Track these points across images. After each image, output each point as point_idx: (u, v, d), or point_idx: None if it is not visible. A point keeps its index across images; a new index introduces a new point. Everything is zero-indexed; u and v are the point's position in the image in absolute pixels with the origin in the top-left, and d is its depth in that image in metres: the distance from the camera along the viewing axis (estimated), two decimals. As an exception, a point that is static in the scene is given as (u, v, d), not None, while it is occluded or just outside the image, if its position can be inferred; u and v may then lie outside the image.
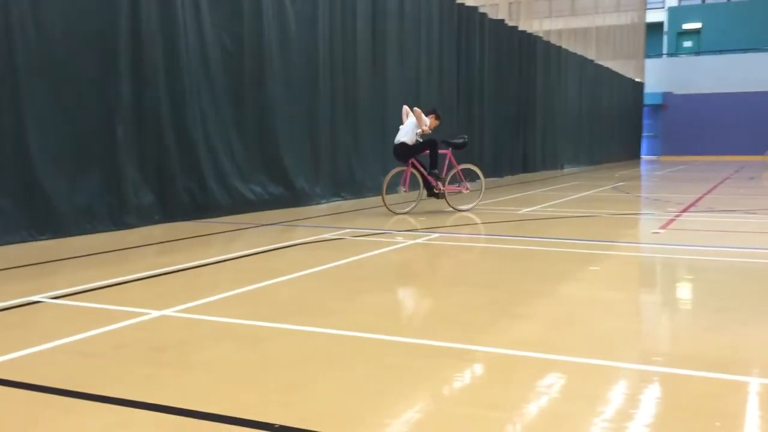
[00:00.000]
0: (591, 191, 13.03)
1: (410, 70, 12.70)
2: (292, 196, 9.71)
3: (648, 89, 33.15)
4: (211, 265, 5.41)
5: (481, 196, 9.78)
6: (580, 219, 8.64)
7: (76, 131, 7.00)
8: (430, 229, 7.42)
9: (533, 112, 18.90)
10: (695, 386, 2.80)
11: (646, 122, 33.86)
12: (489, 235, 7.10)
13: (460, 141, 9.27)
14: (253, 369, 2.98)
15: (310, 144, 10.30)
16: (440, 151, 9.05)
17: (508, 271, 5.34)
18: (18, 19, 6.42)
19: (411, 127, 8.98)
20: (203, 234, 7.17)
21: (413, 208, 9.10)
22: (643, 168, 23.76)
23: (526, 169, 18.50)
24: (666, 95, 34.58)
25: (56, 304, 4.14)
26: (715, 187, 14.02)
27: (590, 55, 23.85)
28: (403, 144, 8.97)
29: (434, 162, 9.01)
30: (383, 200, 8.90)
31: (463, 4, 14.54)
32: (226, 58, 8.81)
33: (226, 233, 7.38)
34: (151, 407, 2.51)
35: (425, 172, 9.04)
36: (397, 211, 8.92)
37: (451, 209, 9.12)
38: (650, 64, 34.23)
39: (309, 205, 9.99)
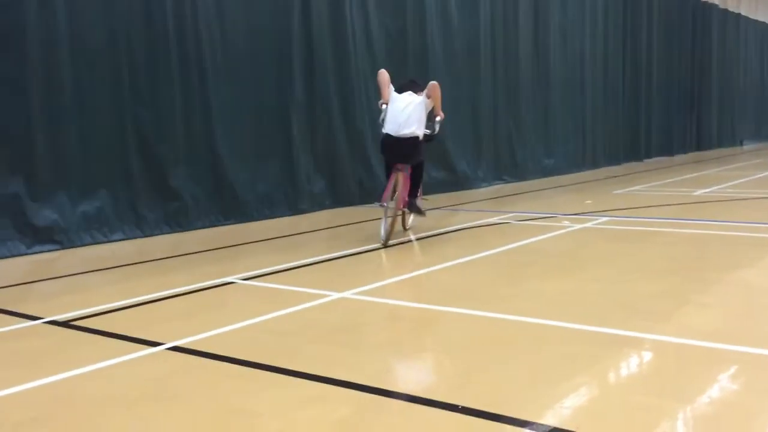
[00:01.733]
0: (775, 170, 12.06)
1: (573, 56, 12.38)
2: (454, 180, 9.83)
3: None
4: (378, 251, 5.64)
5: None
6: (759, 201, 8.05)
7: (256, 127, 7.54)
8: (599, 212, 7.24)
9: (708, 86, 17.71)
10: None
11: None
12: (662, 219, 6.81)
13: (429, 132, 6.11)
14: (430, 350, 3.12)
15: (472, 128, 10.34)
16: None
17: (685, 257, 5.12)
18: (206, 29, 7.01)
19: (422, 111, 5.87)
20: (368, 219, 7.45)
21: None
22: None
23: (700, 146, 17.43)
24: None
25: (247, 285, 4.53)
26: None
27: (775, 20, 21.87)
28: (415, 139, 5.79)
29: (418, 178, 6.12)
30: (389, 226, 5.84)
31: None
32: (390, 48, 9.04)
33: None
34: (341, 383, 2.72)
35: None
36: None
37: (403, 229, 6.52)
38: None
39: (471, 188, 10.06)
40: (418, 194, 6.24)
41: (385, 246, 5.68)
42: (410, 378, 2.79)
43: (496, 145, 10.80)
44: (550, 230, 6.31)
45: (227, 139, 7.23)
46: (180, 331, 3.43)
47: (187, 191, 6.88)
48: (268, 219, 7.50)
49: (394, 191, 5.88)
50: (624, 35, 13.82)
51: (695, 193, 8.78)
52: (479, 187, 10.25)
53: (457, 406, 2.46)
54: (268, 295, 4.29)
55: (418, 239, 6.12)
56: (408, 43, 9.24)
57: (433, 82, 5.93)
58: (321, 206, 8.16)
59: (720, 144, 18.66)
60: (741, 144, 19.90)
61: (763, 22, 21.06)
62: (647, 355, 3.01)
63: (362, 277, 4.67)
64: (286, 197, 7.79)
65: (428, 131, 6.03)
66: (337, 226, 7.12)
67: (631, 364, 2.89)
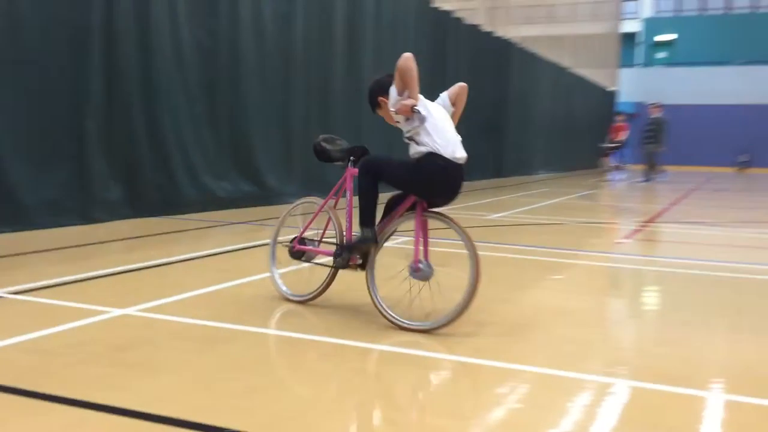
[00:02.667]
0: (561, 198, 13.19)
1: (387, 69, 12.73)
2: (263, 195, 9.69)
3: (621, 98, 33.55)
4: (177, 263, 5.39)
5: None
6: (546, 226, 8.74)
7: (43, 124, 6.92)
8: (395, 233, 7.44)
9: (507, 117, 19.04)
10: (652, 399, 2.87)
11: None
12: (453, 240, 7.13)
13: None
14: (212, 371, 2.99)
15: (284, 142, 10.29)
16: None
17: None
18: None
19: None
20: (172, 231, 7.13)
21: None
22: (613, 176, 24.06)
23: (499, 173, 18.64)
24: (639, 105, 35.03)
25: (17, 299, 4.10)
26: (683, 197, 14.27)
27: (565, 62, 24.09)
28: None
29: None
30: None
31: (438, 8, 14.60)
32: (200, 53, 8.77)
33: (195, 231, 7.35)
34: (105, 409, 2.51)
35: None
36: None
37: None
38: (624, 73, 34.65)
39: (280, 204, 9.96)
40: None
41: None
42: (181, 401, 2.63)
43: (307, 160, 10.80)
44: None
45: (7, 137, 6.56)
46: None
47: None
48: (55, 228, 6.90)
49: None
50: (433, 63, 14.46)
51: (489, 217, 9.35)
52: (288, 202, 10.18)
53: (225, 429, 2.35)
54: (38, 311, 3.90)
55: (221, 253, 5.93)
56: (219, 50, 9.01)
57: (463, 84, 4.36)
58: (118, 215, 7.66)
59: (518, 172, 20.12)
60: (534, 173, 21.61)
61: (556, 63, 23.13)
62: (430, 373, 3.08)
63: (152, 292, 4.40)
64: (76, 204, 7.22)
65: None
66: (133, 238, 6.72)
67: (416, 383, 2.94)
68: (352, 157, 4.26)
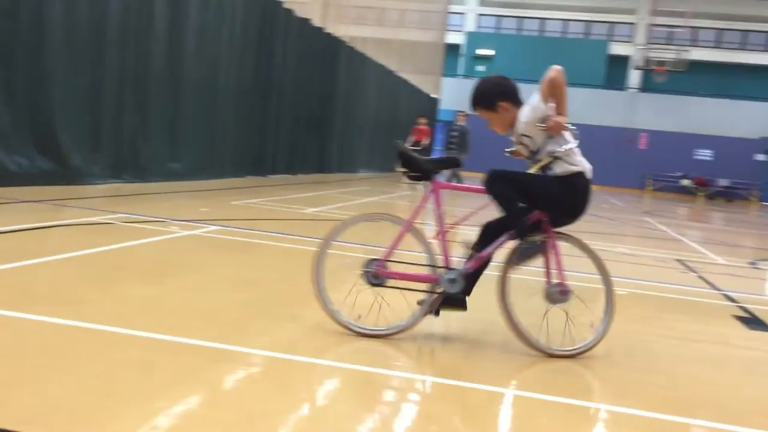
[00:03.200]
0: (380, 197, 13.52)
1: (208, 57, 12.33)
2: (64, 173, 8.99)
3: (443, 106, 35.11)
4: (-51, 242, 4.85)
5: None
6: (362, 223, 8.90)
7: None
8: (211, 221, 7.24)
9: (333, 114, 19.19)
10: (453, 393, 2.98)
11: (438, 137, 35.80)
12: (267, 232, 7.07)
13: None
14: (-28, 361, 2.70)
15: (92, 119, 9.62)
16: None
17: (280, 270, 5.36)
18: None
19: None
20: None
21: None
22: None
23: (321, 169, 18.74)
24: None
25: None
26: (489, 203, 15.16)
27: (392, 65, 24.75)
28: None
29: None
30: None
31: (267, -4, 14.42)
32: (-2, 16, 7.96)
33: (-21, 207, 6.67)
34: None
35: None
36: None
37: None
38: (447, 82, 36.31)
39: (84, 184, 9.31)
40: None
41: None
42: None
43: (118, 141, 10.21)
44: (155, 234, 6.10)
45: None
46: None
47: None
48: None
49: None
50: (260, 51, 14.24)
51: (306, 211, 9.36)
52: (94, 183, 9.54)
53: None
54: None
55: (7, 232, 5.40)
56: (19, 13, 8.24)
57: (552, 71, 3.83)
58: None
59: (341, 169, 20.36)
60: (357, 171, 22.00)
61: (383, 65, 23.71)
62: (223, 367, 3.00)
63: None
64: None
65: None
66: None
67: (207, 376, 2.85)
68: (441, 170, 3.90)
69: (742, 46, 38.60)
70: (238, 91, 13.52)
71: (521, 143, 3.79)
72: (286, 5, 15.35)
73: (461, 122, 18.68)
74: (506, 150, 3.99)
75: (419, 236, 3.78)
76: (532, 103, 3.70)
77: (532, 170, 3.70)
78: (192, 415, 2.46)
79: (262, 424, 2.42)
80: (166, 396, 2.57)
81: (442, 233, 3.74)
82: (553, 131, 3.61)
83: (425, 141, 18.89)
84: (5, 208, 6.79)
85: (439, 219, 3.77)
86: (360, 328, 3.61)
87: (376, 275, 3.71)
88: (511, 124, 3.77)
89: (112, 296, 3.95)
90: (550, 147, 3.64)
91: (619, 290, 6.09)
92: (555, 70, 3.71)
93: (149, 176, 10.76)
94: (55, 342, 3.05)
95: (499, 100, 3.78)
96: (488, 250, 3.74)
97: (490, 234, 3.78)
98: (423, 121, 19.37)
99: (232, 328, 3.55)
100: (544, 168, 3.65)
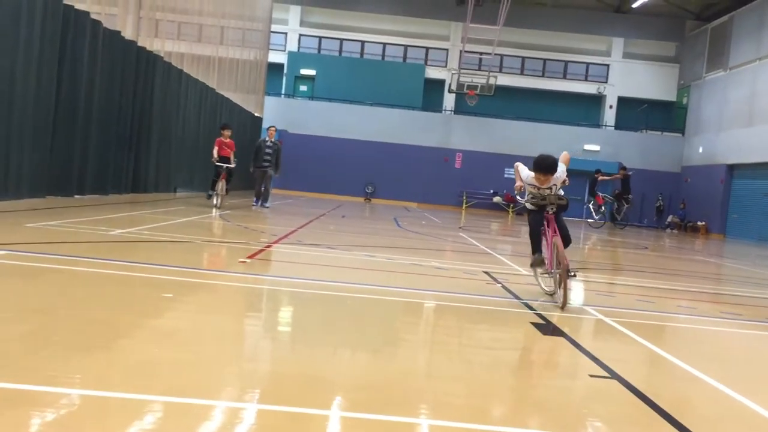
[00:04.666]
0: (196, 216, 13.06)
1: (2, 70, 11.30)
2: None
3: (266, 125, 34.89)
4: None
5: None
6: (173, 244, 8.53)
7: None
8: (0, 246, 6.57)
9: (148, 131, 18.35)
10: (270, 422, 2.86)
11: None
12: (63, 257, 6.54)
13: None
14: None
15: None
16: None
17: (73, 298, 4.95)
18: None
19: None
20: None
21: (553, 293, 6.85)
22: (255, 199, 24.74)
23: (135, 189, 17.83)
24: (282, 132, 36.78)
25: None
26: (311, 221, 15.20)
27: (211, 83, 24.18)
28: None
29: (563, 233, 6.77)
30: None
31: (72, 6, 13.50)
32: None
33: None
34: None
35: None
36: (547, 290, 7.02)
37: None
38: (270, 101, 36.18)
39: None
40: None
41: None
42: None
43: None
44: (-72, 262, 5.42)
45: None
46: None
47: None
48: None
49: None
50: (62, 60, 13.28)
51: (112, 233, 8.80)
52: None
53: None
54: None
55: None
56: None
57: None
58: None
59: (156, 189, 19.46)
60: (175, 191, 21.16)
61: (203, 82, 23.09)
62: (15, 409, 2.68)
63: None
64: None
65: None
66: None
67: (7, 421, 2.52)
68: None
69: (542, 74, 41.98)
70: (38, 105, 12.49)
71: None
72: (94, 16, 14.48)
73: (272, 138, 18.45)
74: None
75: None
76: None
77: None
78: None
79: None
80: None
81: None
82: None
83: (229, 154, 16.33)
84: None
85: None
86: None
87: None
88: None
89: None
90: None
91: (428, 303, 6.30)
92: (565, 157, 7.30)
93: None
94: None
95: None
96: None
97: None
98: (228, 133, 16.70)
99: (15, 364, 3.19)
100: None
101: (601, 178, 25.49)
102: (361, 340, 4.65)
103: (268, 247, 9.28)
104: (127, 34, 16.54)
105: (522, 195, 7.11)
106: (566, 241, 6.69)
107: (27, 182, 12.36)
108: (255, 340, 4.45)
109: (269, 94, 36.63)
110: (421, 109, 39.80)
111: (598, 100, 41.93)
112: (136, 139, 17.59)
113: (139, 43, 17.30)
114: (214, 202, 15.71)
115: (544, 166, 6.71)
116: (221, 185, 15.76)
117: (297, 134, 37.33)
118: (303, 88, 40.72)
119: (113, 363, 3.42)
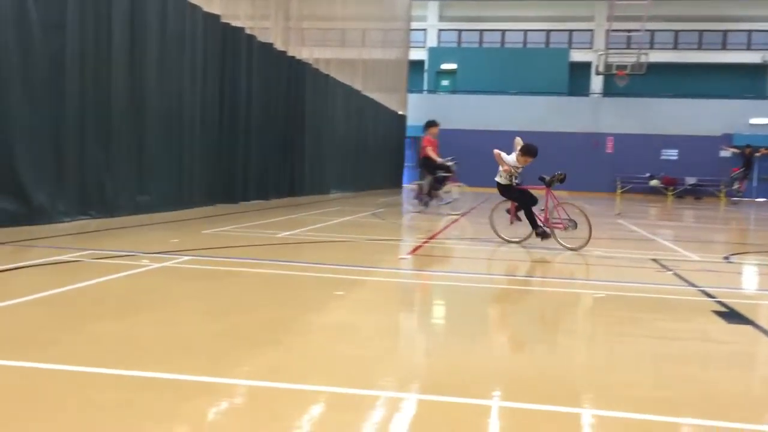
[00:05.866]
0: (352, 216, 13.45)
1: (171, 86, 12.21)
2: (28, 213, 8.79)
3: (410, 122, 35.27)
4: None
5: (589, 237, 8.73)
6: (336, 244, 8.84)
7: None
8: (183, 251, 7.12)
9: (301, 137, 19.14)
10: (438, 411, 2.92)
11: (407, 153, 35.97)
12: (240, 259, 6.97)
13: (557, 175, 8.97)
14: (-65, 413, 2.58)
15: (55, 156, 9.44)
16: (537, 190, 9.15)
17: (254, 297, 5.26)
18: None
19: (499, 167, 9.27)
20: None
21: (523, 240, 9.21)
22: (404, 196, 25.12)
23: (293, 192, 18.64)
24: (426, 129, 37.05)
25: None
26: (463, 215, 15.18)
27: (357, 85, 24.81)
28: (497, 183, 9.39)
29: (528, 215, 9.11)
30: (491, 223, 9.56)
31: (228, 24, 14.34)
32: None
33: (-59, 253, 6.48)
34: None
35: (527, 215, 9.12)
36: (505, 237, 9.32)
37: (561, 247, 8.81)
38: (412, 98, 36.51)
39: (50, 223, 9.12)
40: (537, 222, 9.05)
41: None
42: None
43: (83, 176, 10.02)
44: (126, 269, 5.97)
45: None
46: None
47: None
48: None
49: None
50: (222, 75, 14.16)
51: (279, 235, 9.26)
52: (60, 221, 9.36)
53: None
54: None
55: (-35, 278, 5.25)
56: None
57: (494, 150, 9.53)
58: None
59: (312, 191, 20.27)
60: (329, 192, 21.92)
61: (349, 85, 23.75)
62: (208, 399, 2.91)
63: None
64: None
65: (515, 182, 9.26)
66: None
67: (193, 410, 2.75)
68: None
69: (699, 46, 39.38)
70: (204, 120, 13.40)
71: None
72: (248, 31, 15.31)
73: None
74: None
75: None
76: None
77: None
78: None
79: (244, 457, 2.33)
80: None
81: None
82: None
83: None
84: (-31, 252, 6.62)
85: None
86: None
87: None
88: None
89: (84, 335, 3.84)
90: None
91: (597, 293, 6.10)
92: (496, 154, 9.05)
93: (116, 210, 10.58)
94: (27, 387, 2.94)
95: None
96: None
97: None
98: (435, 130, 15.97)
99: (210, 360, 3.45)
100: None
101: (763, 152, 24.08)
102: (533, 333, 4.58)
103: (426, 242, 9.39)
104: (278, 45, 17.33)
105: (506, 177, 9.17)
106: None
107: (198, 192, 13.30)
108: (420, 333, 4.51)
109: (411, 92, 36.96)
110: (567, 94, 38.61)
111: (763, 70, 38.72)
112: (291, 146, 18.39)
113: (289, 53, 18.06)
114: (439, 203, 15.32)
115: (534, 152, 9.04)
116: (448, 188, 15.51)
117: (440, 129, 37.38)
118: (445, 82, 40.76)
119: (293, 357, 3.60)
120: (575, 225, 8.79)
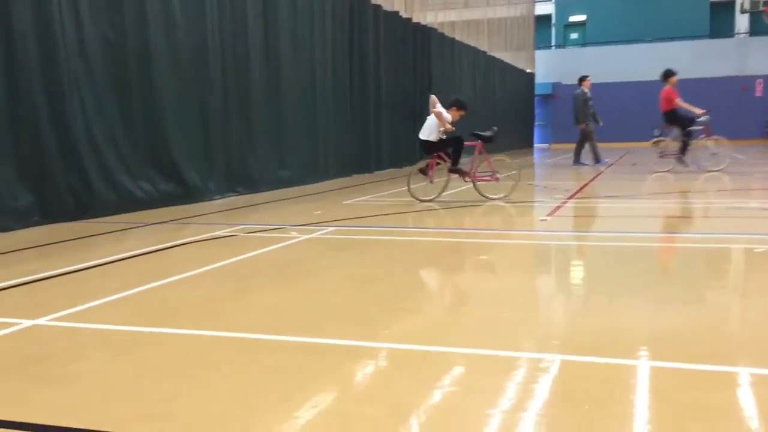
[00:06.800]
0: (485, 180, 13.32)
1: (304, 62, 12.57)
2: (183, 192, 9.43)
3: (539, 80, 34.29)
4: (94, 269, 5.18)
5: (516, 185, 9.72)
6: (472, 208, 8.83)
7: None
8: (326, 223, 7.39)
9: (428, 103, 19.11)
10: (588, 372, 2.90)
11: (537, 111, 35.05)
12: (382, 227, 7.13)
13: (489, 134, 9.55)
14: (129, 378, 2.86)
15: (202, 138, 10.03)
16: (469, 144, 9.48)
17: (399, 264, 5.38)
18: None
19: (434, 125, 9.33)
20: (87, 235, 6.85)
21: (437, 197, 9.51)
22: (536, 156, 24.58)
23: (424, 158, 18.70)
24: (555, 85, 35.89)
25: None
26: (601, 173, 14.66)
27: (483, 46, 24.38)
28: (426, 141, 9.46)
29: (456, 160, 9.44)
30: (408, 188, 9.52)
31: (355, -5, 14.51)
32: (107, 50, 8.43)
33: (113, 233, 7.09)
34: (13, 425, 2.36)
35: (451, 166, 9.50)
36: (422, 198, 9.40)
37: (483, 198, 9.33)
38: (540, 55, 35.39)
39: (202, 201, 9.74)
40: (493, 174, 9.45)
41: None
42: (100, 411, 2.50)
43: (228, 155, 10.58)
44: (277, 241, 6.28)
45: None
46: None
47: None
48: (-40, 238, 6.52)
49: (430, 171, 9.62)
50: (351, 47, 14.39)
51: (416, 202, 9.36)
52: (211, 199, 9.96)
53: (147, 438, 2.25)
54: (-60, 328, 3.66)
55: (139, 255, 5.72)
56: (127, 47, 8.69)
57: (434, 108, 9.33)
58: (28, 223, 7.31)
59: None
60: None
61: (474, 47, 23.39)
62: (363, 363, 3.04)
63: (67, 300, 4.20)
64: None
65: (443, 137, 9.40)
66: (48, 244, 6.42)
67: (343, 373, 2.90)
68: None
69: None
70: (335, 92, 13.71)
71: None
72: (374, 1, 15.42)
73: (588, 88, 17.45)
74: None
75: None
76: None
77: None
78: (338, 411, 2.49)
79: (410, 416, 2.42)
80: (310, 395, 2.62)
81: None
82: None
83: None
84: (135, 232, 7.19)
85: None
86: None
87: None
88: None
89: (245, 305, 4.09)
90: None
91: (759, 247, 5.73)
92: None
93: (260, 186, 11.11)
94: (197, 354, 3.19)
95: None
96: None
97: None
98: (674, 79, 14.43)
99: (362, 325, 3.59)
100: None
101: None
102: (685, 291, 4.40)
103: (565, 203, 9.17)
104: (403, 12, 17.33)
105: (439, 134, 9.34)
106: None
107: (334, 164, 13.68)
108: (564, 294, 4.44)
109: (539, 48, 35.84)
110: (708, 36, 36.02)
111: None
112: (419, 112, 18.42)
113: (414, 19, 18.02)
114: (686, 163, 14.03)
115: (467, 106, 9.72)
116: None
117: (571, 85, 36.03)
118: (573, 35, 39.18)
119: (437, 321, 3.66)
120: (498, 178, 9.48)
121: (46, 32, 7.55)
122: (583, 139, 16.98)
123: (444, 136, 9.36)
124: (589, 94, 16.79)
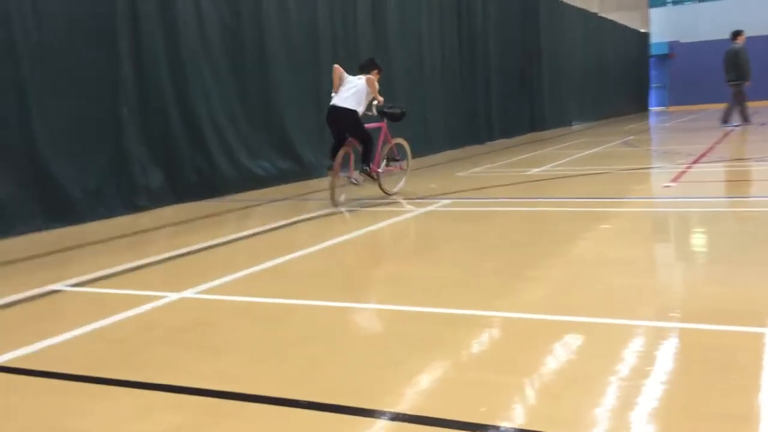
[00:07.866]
0: (600, 147, 12.95)
1: (412, 34, 12.57)
2: (300, 170, 9.71)
3: (654, 39, 32.66)
4: (226, 245, 5.45)
5: (407, 175, 8.04)
6: (589, 177, 8.61)
7: (80, 117, 6.97)
8: (442, 195, 7.42)
9: (538, 69, 18.69)
10: (710, 340, 2.82)
11: (652, 73, 33.43)
12: (498, 199, 7.09)
13: (398, 111, 7.70)
14: (275, 346, 3.03)
15: (316, 116, 10.26)
16: (375, 125, 7.58)
17: (518, 234, 5.35)
18: (16, 7, 6.38)
19: (363, 92, 7.13)
20: (215, 213, 7.20)
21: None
22: (652, 120, 23.56)
23: (534, 128, 18.37)
24: (672, 44, 34.06)
25: (76, 291, 4.20)
26: (726, 135, 13.90)
27: (593, 8, 23.48)
28: (353, 112, 7.01)
29: (368, 156, 7.21)
30: (332, 188, 7.09)
31: (460, -36, 14.32)
32: (225, 33, 8.75)
33: (238, 211, 7.42)
34: (174, 389, 2.56)
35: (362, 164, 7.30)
36: (391, 191, 7.63)
37: (383, 194, 7.54)
38: (655, 13, 33.63)
39: (318, 177, 9.99)
40: (398, 162, 7.79)
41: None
42: (250, 377, 2.67)
43: (341, 132, 10.78)
44: (395, 215, 6.38)
45: (47, 134, 6.61)
46: (-5, 349, 3.10)
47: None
48: (101, 219, 7.00)
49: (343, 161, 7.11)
50: (459, 18, 14.26)
51: (529, 172, 9.23)
52: (325, 175, 10.19)
53: (300, 401, 2.38)
54: (98, 301, 3.99)
55: (266, 231, 5.98)
56: (243, 31, 8.98)
57: (367, 76, 7.22)
58: (161, 202, 7.76)
59: (552, 125, 19.80)
60: (570, 124, 21.25)
61: (584, 9, 22.56)
62: (484, 331, 3.08)
63: (205, 274, 4.46)
64: (119, 193, 7.30)
65: (370, 113, 7.38)
66: (178, 223, 6.81)
67: (470, 341, 2.95)
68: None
69: None
70: (444, 65, 13.65)
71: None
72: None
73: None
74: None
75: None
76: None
77: None
78: (467, 380, 2.53)
79: (531, 383, 2.44)
80: (445, 363, 2.68)
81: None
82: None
83: None
84: (259, 209, 7.50)
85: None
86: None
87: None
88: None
89: (375, 277, 4.21)
90: None
91: None
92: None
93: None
94: (340, 323, 3.32)
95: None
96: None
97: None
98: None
99: (489, 295, 3.62)
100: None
101: None
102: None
103: (689, 168, 8.77)
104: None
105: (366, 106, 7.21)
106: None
107: (444, 136, 13.65)
108: (688, 263, 4.27)
109: (653, 6, 34.07)
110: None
111: None
112: (529, 80, 18.06)
113: (521, -15, 17.60)
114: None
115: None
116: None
117: (689, 43, 34.09)
118: (691, -10, 36.97)
119: (558, 290, 3.62)
120: (402, 167, 7.89)
121: (169, 18, 7.91)
122: (738, 97, 16.30)
123: (370, 112, 7.39)
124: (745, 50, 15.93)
